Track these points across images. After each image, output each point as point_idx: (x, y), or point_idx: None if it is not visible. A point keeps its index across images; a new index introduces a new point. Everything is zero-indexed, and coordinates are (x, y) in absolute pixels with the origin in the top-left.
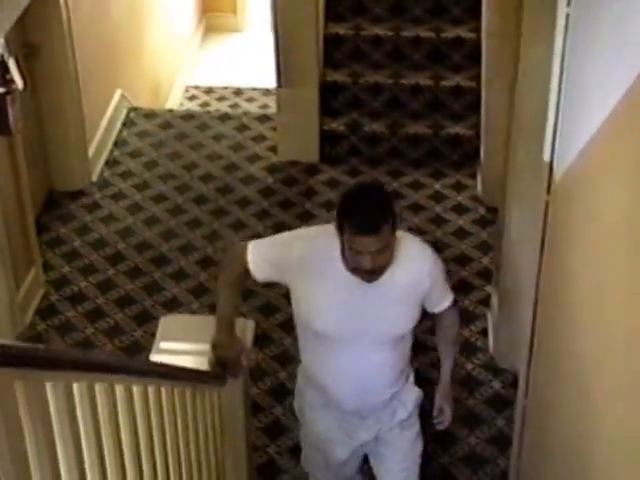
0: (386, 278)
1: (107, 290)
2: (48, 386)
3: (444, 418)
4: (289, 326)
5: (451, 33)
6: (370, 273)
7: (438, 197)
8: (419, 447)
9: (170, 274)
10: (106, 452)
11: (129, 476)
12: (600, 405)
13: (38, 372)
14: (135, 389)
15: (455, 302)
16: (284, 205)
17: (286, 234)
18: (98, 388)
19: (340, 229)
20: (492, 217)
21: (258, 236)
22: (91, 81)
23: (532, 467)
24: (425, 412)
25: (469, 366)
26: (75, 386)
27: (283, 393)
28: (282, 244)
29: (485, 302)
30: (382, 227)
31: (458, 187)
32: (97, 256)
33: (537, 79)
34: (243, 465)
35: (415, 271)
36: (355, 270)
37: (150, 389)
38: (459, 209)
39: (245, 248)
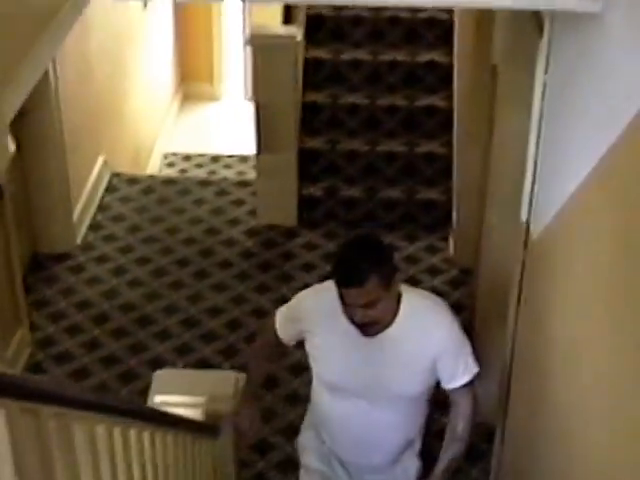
0: (394, 334)
1: (92, 350)
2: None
3: None
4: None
5: (424, 101)
6: (363, 326)
7: (412, 259)
8: None
9: (155, 334)
10: None
11: None
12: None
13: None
14: (145, 434)
15: (470, 383)
16: (264, 267)
17: (302, 292)
18: (115, 431)
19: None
20: (464, 278)
21: (239, 297)
22: (76, 147)
23: None
24: None
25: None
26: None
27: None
28: (297, 300)
29: None
30: (367, 279)
31: (431, 249)
32: (82, 317)
33: (511, 144)
34: None
35: (427, 333)
36: (352, 322)
37: (157, 435)
38: (433, 270)
39: (273, 317)
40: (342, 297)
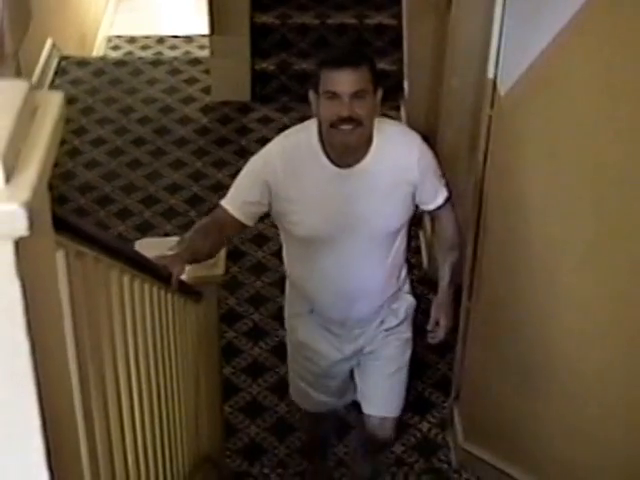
0: (370, 165)
1: None
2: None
3: (439, 331)
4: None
5: None
6: (348, 121)
7: None
8: (408, 353)
9: (115, 213)
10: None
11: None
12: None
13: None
14: (135, 283)
15: (448, 198)
16: (220, 143)
17: (261, 149)
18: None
19: (316, 85)
20: None
21: (197, 173)
22: None
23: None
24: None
25: None
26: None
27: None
28: (259, 158)
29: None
30: (360, 63)
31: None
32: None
33: (473, 5)
34: (216, 375)
35: (401, 157)
36: (333, 126)
37: (145, 284)
38: None
39: (219, 205)
40: (326, 89)
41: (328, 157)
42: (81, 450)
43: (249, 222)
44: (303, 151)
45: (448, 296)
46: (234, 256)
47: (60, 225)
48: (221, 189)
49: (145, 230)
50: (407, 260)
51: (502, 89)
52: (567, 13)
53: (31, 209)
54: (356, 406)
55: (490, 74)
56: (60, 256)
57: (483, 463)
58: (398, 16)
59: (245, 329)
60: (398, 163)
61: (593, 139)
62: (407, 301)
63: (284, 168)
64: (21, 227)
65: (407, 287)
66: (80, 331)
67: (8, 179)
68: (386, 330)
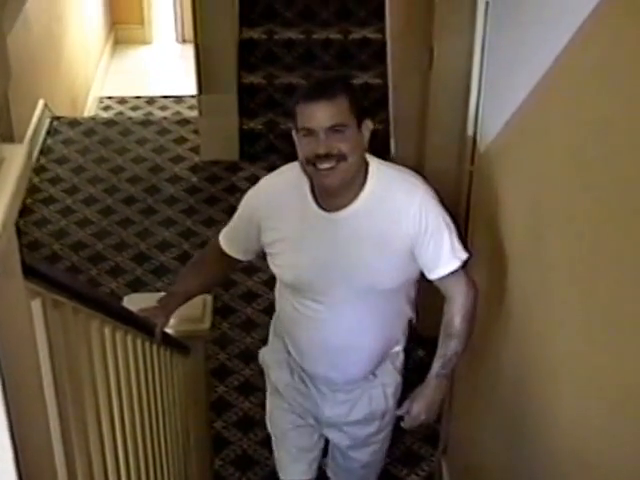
0: (360, 210)
1: None
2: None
3: (407, 420)
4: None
5: (357, 35)
6: (326, 159)
7: None
8: (387, 445)
9: (107, 270)
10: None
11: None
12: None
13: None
14: (117, 334)
15: (463, 266)
16: (210, 201)
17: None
18: (93, 324)
19: (294, 122)
20: None
21: (187, 231)
22: (16, 92)
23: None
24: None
25: None
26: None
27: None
28: (247, 198)
29: None
30: (337, 94)
31: None
32: (33, 257)
33: (453, 66)
34: (206, 428)
35: (398, 205)
36: (310, 164)
37: (129, 336)
38: None
39: (216, 238)
40: (302, 125)
41: (315, 198)
42: None
43: (239, 256)
44: (290, 189)
45: (432, 389)
46: (224, 312)
47: (33, 273)
48: None
49: (137, 287)
50: (409, 329)
51: (482, 145)
52: (540, 70)
53: None
54: None
55: (469, 131)
56: (36, 304)
57: None
58: (383, 76)
59: (236, 384)
60: (394, 212)
61: (565, 191)
62: (396, 381)
63: (270, 205)
64: None
65: (399, 363)
66: (60, 380)
67: None
68: (366, 420)
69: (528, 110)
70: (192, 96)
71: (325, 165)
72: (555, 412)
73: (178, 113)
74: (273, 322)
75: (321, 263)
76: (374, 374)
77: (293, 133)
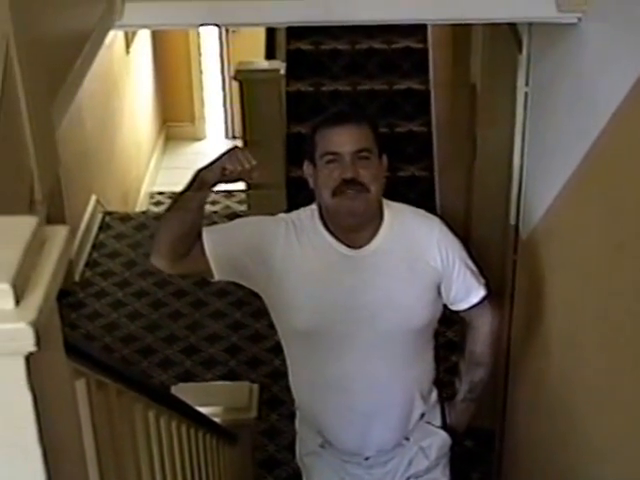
0: (383, 244)
1: None
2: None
3: None
4: None
5: (403, 128)
6: (353, 184)
7: None
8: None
9: (157, 363)
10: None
11: None
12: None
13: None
14: (162, 419)
15: (485, 299)
16: (258, 294)
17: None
18: (137, 407)
19: (311, 152)
20: None
21: (236, 323)
22: (70, 187)
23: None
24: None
25: None
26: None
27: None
28: (263, 224)
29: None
30: (361, 122)
31: None
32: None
33: (495, 158)
34: None
35: (418, 236)
36: (335, 194)
37: (173, 422)
38: None
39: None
40: (324, 151)
41: (334, 236)
42: None
43: (212, 266)
44: (307, 226)
45: (459, 412)
46: (272, 404)
47: (75, 351)
48: (259, 338)
49: (187, 379)
50: (437, 380)
51: (524, 233)
52: (572, 164)
53: (38, 327)
54: None
55: (512, 220)
56: (81, 384)
57: None
58: (429, 169)
59: (284, 475)
60: (415, 246)
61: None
62: (440, 437)
63: (287, 236)
64: (29, 343)
65: (439, 419)
66: (105, 461)
67: (18, 302)
68: (416, 478)
69: (560, 203)
70: (241, 191)
71: (351, 190)
72: None
73: (227, 207)
74: (296, 406)
75: (342, 304)
76: (407, 438)
77: (305, 165)
